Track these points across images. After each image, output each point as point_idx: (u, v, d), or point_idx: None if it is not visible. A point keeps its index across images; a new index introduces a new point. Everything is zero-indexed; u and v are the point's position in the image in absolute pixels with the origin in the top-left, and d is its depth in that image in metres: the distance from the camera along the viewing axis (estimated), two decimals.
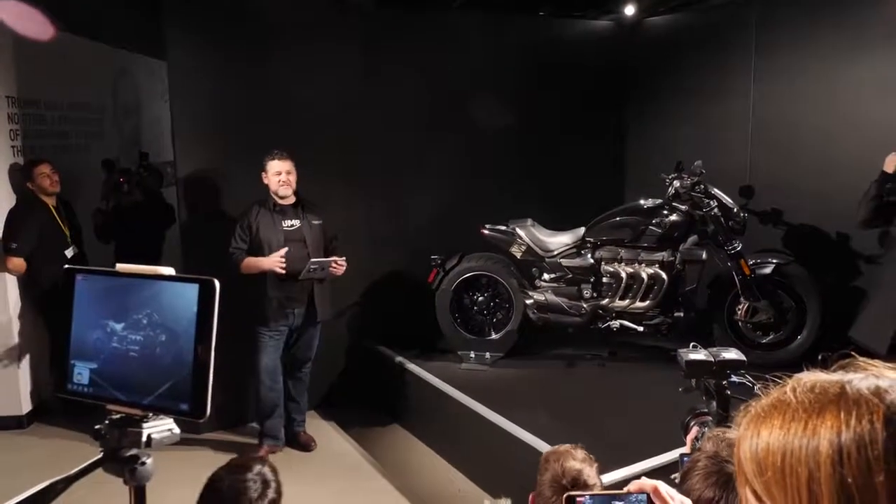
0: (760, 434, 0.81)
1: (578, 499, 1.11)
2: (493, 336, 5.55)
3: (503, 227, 5.45)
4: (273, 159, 4.72)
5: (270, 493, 2.18)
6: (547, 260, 5.38)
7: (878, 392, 0.76)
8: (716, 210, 4.97)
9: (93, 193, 6.65)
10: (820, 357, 0.89)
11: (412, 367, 5.38)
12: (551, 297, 5.32)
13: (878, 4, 4.95)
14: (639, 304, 5.15)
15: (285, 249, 4.68)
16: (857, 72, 5.18)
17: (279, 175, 4.71)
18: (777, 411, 0.80)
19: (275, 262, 4.64)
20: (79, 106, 6.82)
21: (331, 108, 5.50)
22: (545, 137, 6.40)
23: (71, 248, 5.51)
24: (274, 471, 2.26)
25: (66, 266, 1.31)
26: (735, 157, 5.88)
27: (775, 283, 5.07)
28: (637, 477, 1.27)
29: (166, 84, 5.13)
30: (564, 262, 5.35)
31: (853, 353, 0.85)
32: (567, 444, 2.55)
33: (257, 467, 2.21)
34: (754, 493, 0.82)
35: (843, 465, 0.73)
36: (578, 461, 2.32)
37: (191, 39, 5.08)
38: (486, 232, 5.46)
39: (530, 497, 2.33)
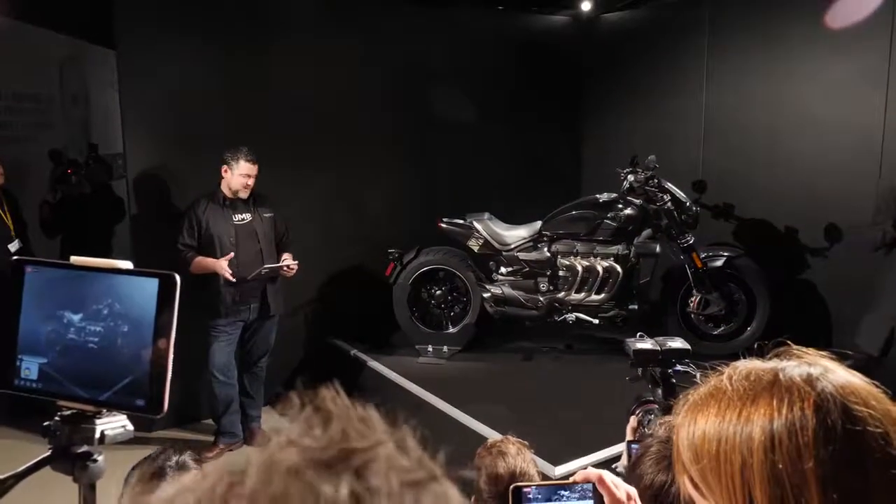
0: (697, 422, 0.81)
1: (525, 489, 1.11)
2: (451, 330, 5.56)
3: (460, 221, 5.45)
4: (245, 160, 4.60)
5: None
6: (504, 253, 5.40)
7: (809, 380, 0.78)
8: (669, 204, 5.05)
9: (39, 185, 6.45)
10: (756, 345, 0.90)
11: (369, 360, 5.35)
12: (508, 291, 5.35)
13: (823, 8, 5.08)
14: (594, 296, 5.20)
15: (231, 255, 4.59)
16: (802, 71, 5.32)
17: (247, 178, 4.63)
18: (713, 399, 0.81)
19: (222, 268, 4.55)
20: (24, 95, 6.60)
21: (285, 99, 5.42)
22: (503, 131, 6.42)
23: (15, 242, 5.34)
24: (196, 461, 2.18)
25: (16, 257, 1.26)
26: (688, 153, 5.99)
27: (726, 275, 5.18)
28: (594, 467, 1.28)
29: (116, 74, 5.00)
30: (521, 255, 5.38)
31: (788, 341, 0.86)
32: (497, 438, 2.57)
33: (175, 457, 2.13)
34: (691, 480, 0.82)
35: (774, 451, 0.74)
36: (511, 456, 2.34)
37: (141, 28, 4.96)
38: (443, 226, 5.46)
39: (472, 499, 2.34)
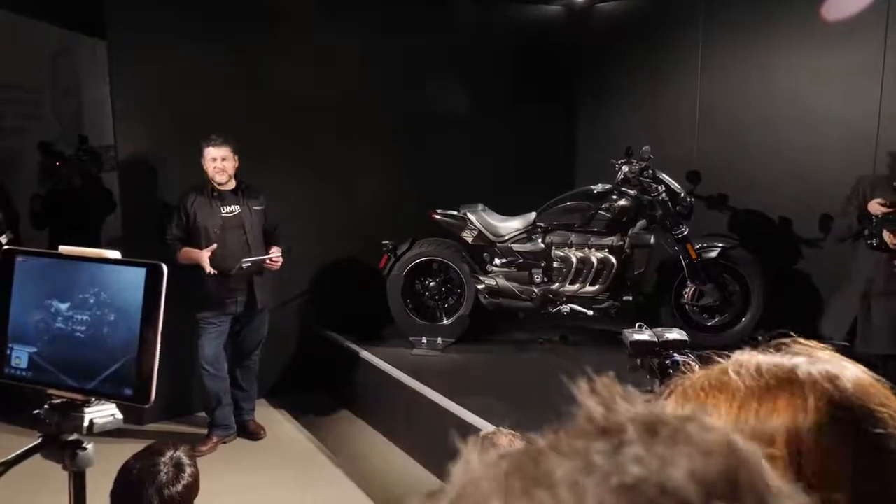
0: None
1: None
2: (445, 321, 5.55)
3: (454, 213, 5.43)
4: (209, 145, 4.60)
5: (185, 478, 2.10)
6: (498, 245, 5.39)
7: (829, 377, 0.75)
8: (663, 195, 5.04)
9: (30, 177, 6.41)
10: (759, 337, 0.87)
11: (363, 353, 5.34)
12: (502, 282, 5.34)
13: None
14: (588, 288, 5.19)
15: (214, 247, 4.57)
16: (796, 62, 5.32)
17: (214, 161, 4.60)
18: (722, 393, 0.77)
19: (204, 259, 4.52)
20: (14, 87, 6.55)
21: (278, 90, 5.39)
22: (497, 122, 6.39)
23: (6, 234, 5.31)
24: (190, 456, 2.20)
25: (6, 248, 1.25)
26: (683, 143, 5.98)
27: (721, 266, 5.17)
28: None
29: (107, 65, 4.96)
30: (515, 246, 5.36)
31: (792, 333, 0.84)
32: (490, 429, 2.56)
33: (170, 452, 2.14)
34: None
35: (799, 452, 0.72)
36: (503, 448, 2.32)
37: (133, 19, 4.91)
38: (437, 217, 5.44)
39: None
